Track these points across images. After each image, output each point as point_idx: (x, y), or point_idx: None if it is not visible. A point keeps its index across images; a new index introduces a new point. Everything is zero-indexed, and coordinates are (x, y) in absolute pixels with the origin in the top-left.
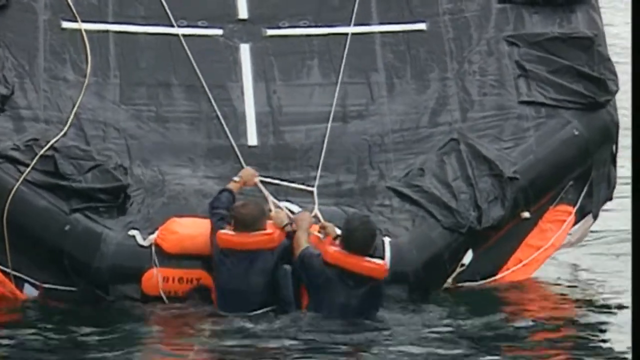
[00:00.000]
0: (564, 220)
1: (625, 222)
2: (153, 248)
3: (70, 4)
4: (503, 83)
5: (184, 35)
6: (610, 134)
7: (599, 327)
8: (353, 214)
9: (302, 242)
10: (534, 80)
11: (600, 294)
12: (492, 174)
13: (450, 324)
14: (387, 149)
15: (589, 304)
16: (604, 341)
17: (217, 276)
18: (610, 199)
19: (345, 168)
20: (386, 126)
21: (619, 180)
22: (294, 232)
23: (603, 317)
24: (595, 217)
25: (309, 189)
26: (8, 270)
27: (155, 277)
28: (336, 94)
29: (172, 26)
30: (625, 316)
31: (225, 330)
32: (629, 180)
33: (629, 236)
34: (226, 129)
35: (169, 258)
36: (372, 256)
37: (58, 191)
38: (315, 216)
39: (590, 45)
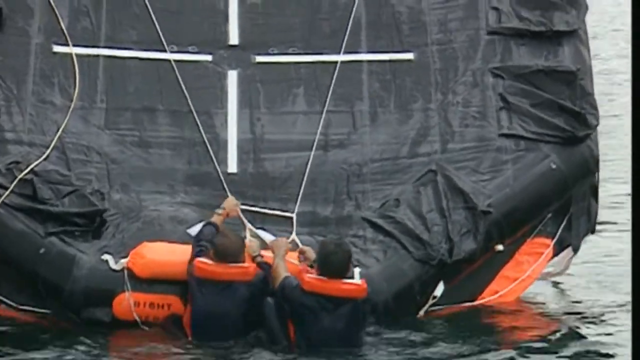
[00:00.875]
0: (542, 253)
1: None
2: (125, 272)
3: (64, 28)
4: (485, 115)
5: (174, 61)
6: (589, 168)
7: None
8: (327, 239)
9: (281, 271)
10: (516, 113)
11: (590, 309)
12: (466, 207)
13: (440, 344)
14: (365, 179)
15: (580, 321)
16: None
17: (192, 304)
18: (593, 231)
19: (323, 197)
20: (366, 156)
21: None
22: (264, 263)
23: (596, 332)
24: (575, 251)
25: (288, 215)
26: None
27: (127, 301)
28: (320, 123)
29: (163, 51)
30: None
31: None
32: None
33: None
34: (212, 154)
35: (140, 282)
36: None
37: (35, 215)
38: (293, 241)
39: (573, 79)
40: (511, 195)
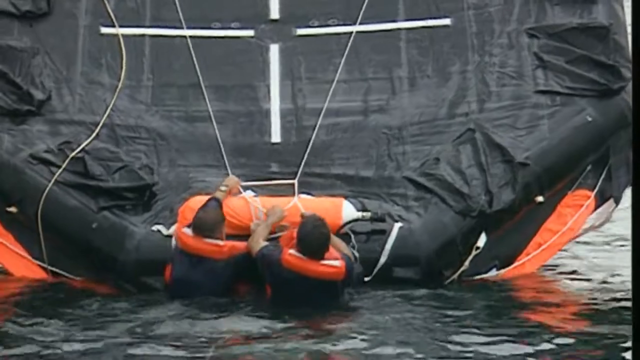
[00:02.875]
0: (582, 205)
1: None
2: (174, 242)
3: (109, 9)
4: (521, 74)
5: (218, 37)
6: (626, 119)
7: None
8: (307, 218)
9: (259, 238)
10: (552, 70)
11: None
12: (504, 160)
13: (455, 320)
14: (405, 141)
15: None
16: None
17: (172, 269)
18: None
19: (365, 161)
20: (405, 119)
21: None
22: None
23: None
24: (617, 202)
25: (290, 181)
26: (45, 265)
27: None
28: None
29: (207, 28)
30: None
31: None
32: None
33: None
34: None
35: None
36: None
37: (87, 190)
38: (295, 207)
39: (606, 34)
40: (548, 148)
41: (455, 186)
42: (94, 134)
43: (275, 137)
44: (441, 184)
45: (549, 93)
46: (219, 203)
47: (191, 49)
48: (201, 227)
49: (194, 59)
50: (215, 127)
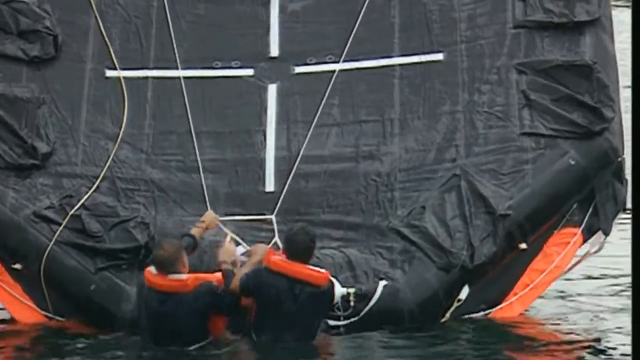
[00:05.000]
0: (569, 242)
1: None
2: None
3: (112, 51)
4: (508, 115)
5: (217, 77)
6: (608, 159)
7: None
8: (293, 224)
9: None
10: (537, 110)
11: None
12: (487, 211)
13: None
14: (393, 188)
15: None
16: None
17: (142, 310)
18: (624, 210)
19: (353, 209)
20: (394, 165)
21: None
22: (231, 271)
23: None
24: (605, 234)
25: (267, 217)
26: (51, 315)
27: None
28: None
29: (208, 68)
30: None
31: None
32: None
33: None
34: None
35: None
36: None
37: (85, 251)
38: (276, 244)
39: (590, 72)
40: (531, 195)
41: (438, 240)
42: (91, 190)
43: (269, 186)
44: (425, 237)
45: (534, 135)
46: (192, 239)
47: (185, 94)
48: (161, 264)
49: (187, 104)
50: (202, 177)
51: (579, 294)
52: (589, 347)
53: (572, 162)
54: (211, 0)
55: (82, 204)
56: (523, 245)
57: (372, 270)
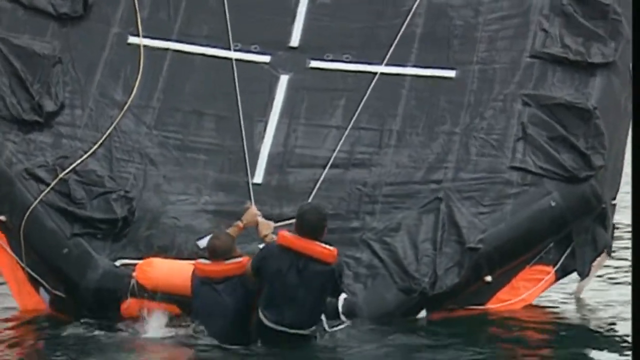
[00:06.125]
0: (541, 279)
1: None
2: (132, 281)
3: (139, 18)
4: (502, 145)
5: (234, 60)
6: (589, 206)
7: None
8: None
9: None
10: (531, 145)
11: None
12: (458, 241)
13: (444, 350)
14: (376, 200)
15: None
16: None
17: (194, 302)
18: (609, 254)
19: (333, 214)
20: (382, 177)
21: None
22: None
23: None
24: (581, 276)
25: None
26: (27, 270)
27: (133, 306)
28: (342, 141)
29: (227, 49)
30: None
31: None
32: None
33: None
34: (247, 164)
35: (144, 292)
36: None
37: (65, 215)
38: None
39: (589, 117)
40: (504, 231)
41: (404, 263)
42: (85, 155)
43: (258, 178)
44: (392, 256)
45: (522, 170)
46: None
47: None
48: (217, 252)
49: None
50: (250, 178)
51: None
52: (588, 339)
53: (553, 204)
54: None
55: (73, 169)
56: (488, 278)
57: None
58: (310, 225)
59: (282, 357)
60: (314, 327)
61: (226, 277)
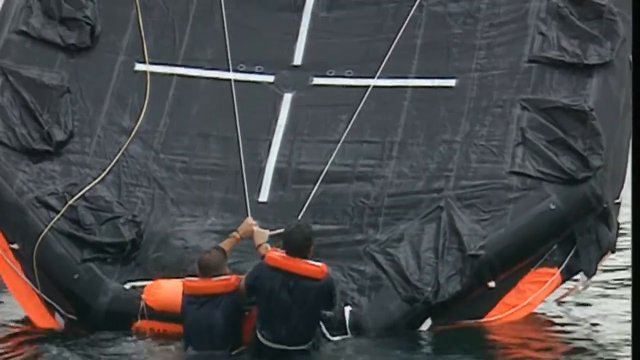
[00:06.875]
0: (545, 281)
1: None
2: (142, 303)
3: (144, 44)
4: (502, 150)
5: (237, 81)
6: (589, 207)
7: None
8: (292, 220)
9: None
10: (530, 149)
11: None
12: (459, 249)
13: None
14: (379, 212)
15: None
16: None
17: (184, 320)
18: (613, 251)
19: (338, 229)
20: (385, 189)
21: None
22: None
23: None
24: (588, 275)
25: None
26: (42, 295)
27: (142, 327)
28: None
29: (231, 70)
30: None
31: None
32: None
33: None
34: (245, 184)
35: (154, 313)
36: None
37: (75, 241)
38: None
39: (586, 119)
40: (505, 236)
41: (406, 273)
42: (92, 184)
43: (263, 196)
44: (395, 267)
45: (522, 175)
46: (222, 252)
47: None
48: (206, 268)
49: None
50: (246, 188)
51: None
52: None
53: (553, 207)
54: (249, 2)
55: (82, 195)
56: (492, 284)
57: (340, 294)
58: (296, 244)
59: None
60: (311, 342)
61: (213, 294)
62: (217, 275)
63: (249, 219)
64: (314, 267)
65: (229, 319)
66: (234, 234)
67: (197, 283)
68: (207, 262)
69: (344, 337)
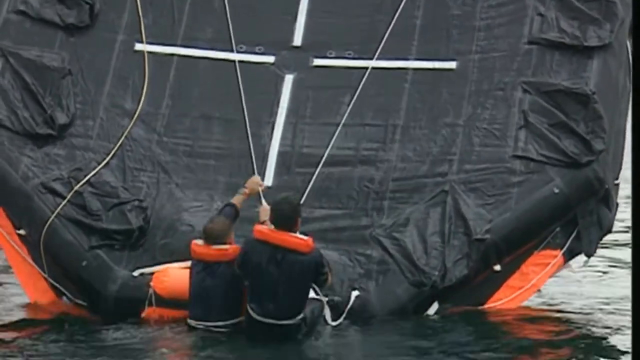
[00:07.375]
0: (548, 263)
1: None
2: (150, 291)
3: (142, 24)
4: (505, 133)
5: (239, 62)
6: (592, 190)
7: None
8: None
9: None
10: (532, 133)
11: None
12: (465, 233)
13: (446, 348)
14: (384, 196)
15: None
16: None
17: (190, 280)
18: (609, 231)
19: (343, 213)
20: (389, 173)
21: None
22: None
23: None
24: (588, 256)
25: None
26: (50, 280)
27: (151, 314)
28: (334, 136)
29: (232, 51)
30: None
31: None
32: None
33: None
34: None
35: (162, 300)
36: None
37: (82, 227)
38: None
39: (587, 102)
40: (511, 220)
41: (414, 257)
42: (97, 168)
43: (268, 180)
44: (402, 251)
45: (525, 159)
46: (233, 209)
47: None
48: (210, 236)
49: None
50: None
51: (578, 281)
52: (588, 336)
53: (556, 191)
54: None
55: (87, 181)
56: (497, 267)
57: (347, 279)
58: (283, 216)
59: (287, 355)
60: (300, 316)
61: (209, 261)
62: (220, 244)
63: (256, 177)
64: (301, 240)
65: (225, 288)
66: (244, 189)
67: (199, 248)
68: (210, 230)
69: (339, 321)
